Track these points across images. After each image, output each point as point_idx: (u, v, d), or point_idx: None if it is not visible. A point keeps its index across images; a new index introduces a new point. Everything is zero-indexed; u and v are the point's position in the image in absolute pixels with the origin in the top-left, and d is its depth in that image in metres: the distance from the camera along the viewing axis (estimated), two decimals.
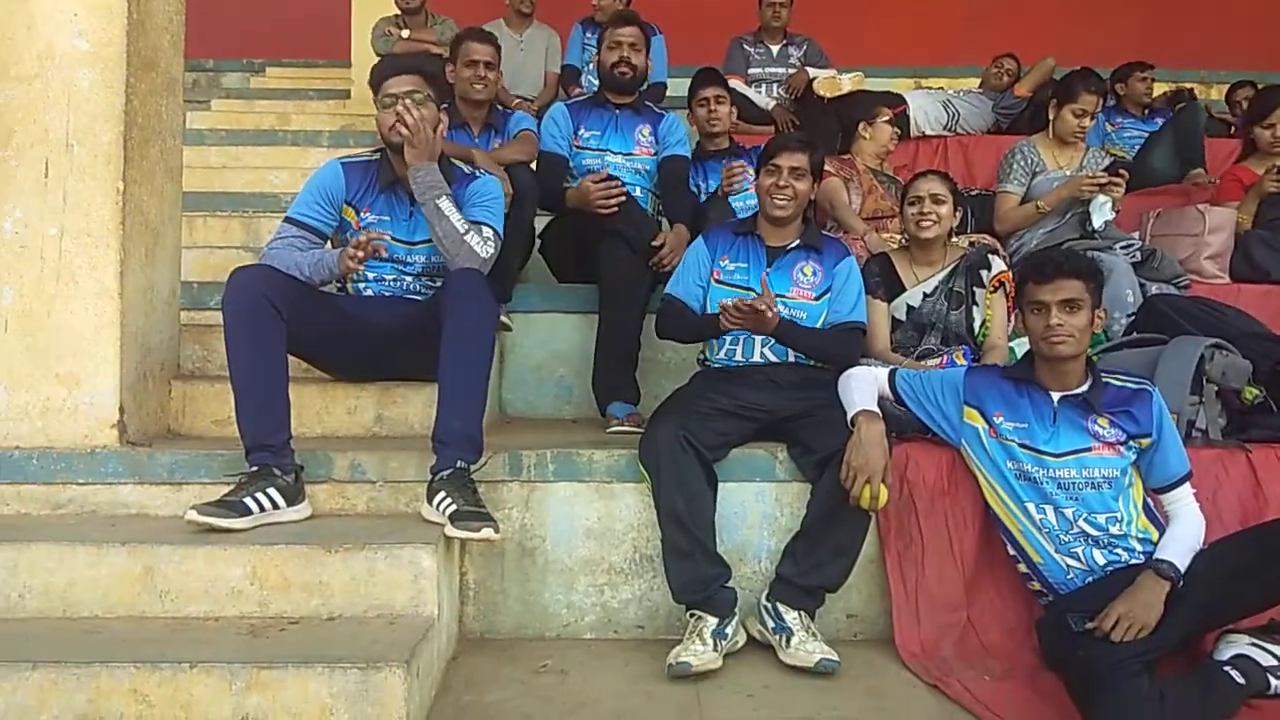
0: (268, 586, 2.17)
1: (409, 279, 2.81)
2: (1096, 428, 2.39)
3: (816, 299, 2.77)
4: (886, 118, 4.04)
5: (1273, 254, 3.88)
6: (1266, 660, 2.22)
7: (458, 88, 3.50)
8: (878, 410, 2.49)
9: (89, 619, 2.13)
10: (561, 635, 2.58)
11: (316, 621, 2.14)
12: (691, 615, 2.42)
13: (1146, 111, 5.52)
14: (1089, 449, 2.37)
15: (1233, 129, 5.63)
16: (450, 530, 2.25)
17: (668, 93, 5.08)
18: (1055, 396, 2.43)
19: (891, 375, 2.61)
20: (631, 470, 2.56)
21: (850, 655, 2.41)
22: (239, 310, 2.36)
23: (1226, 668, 2.20)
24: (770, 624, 2.43)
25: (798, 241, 2.82)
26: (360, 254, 2.52)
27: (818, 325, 2.77)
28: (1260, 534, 2.29)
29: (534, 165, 3.52)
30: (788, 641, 2.37)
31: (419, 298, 2.79)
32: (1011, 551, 2.49)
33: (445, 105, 2.88)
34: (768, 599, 2.46)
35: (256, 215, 4.50)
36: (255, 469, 2.34)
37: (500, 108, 3.65)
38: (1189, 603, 2.21)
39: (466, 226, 2.60)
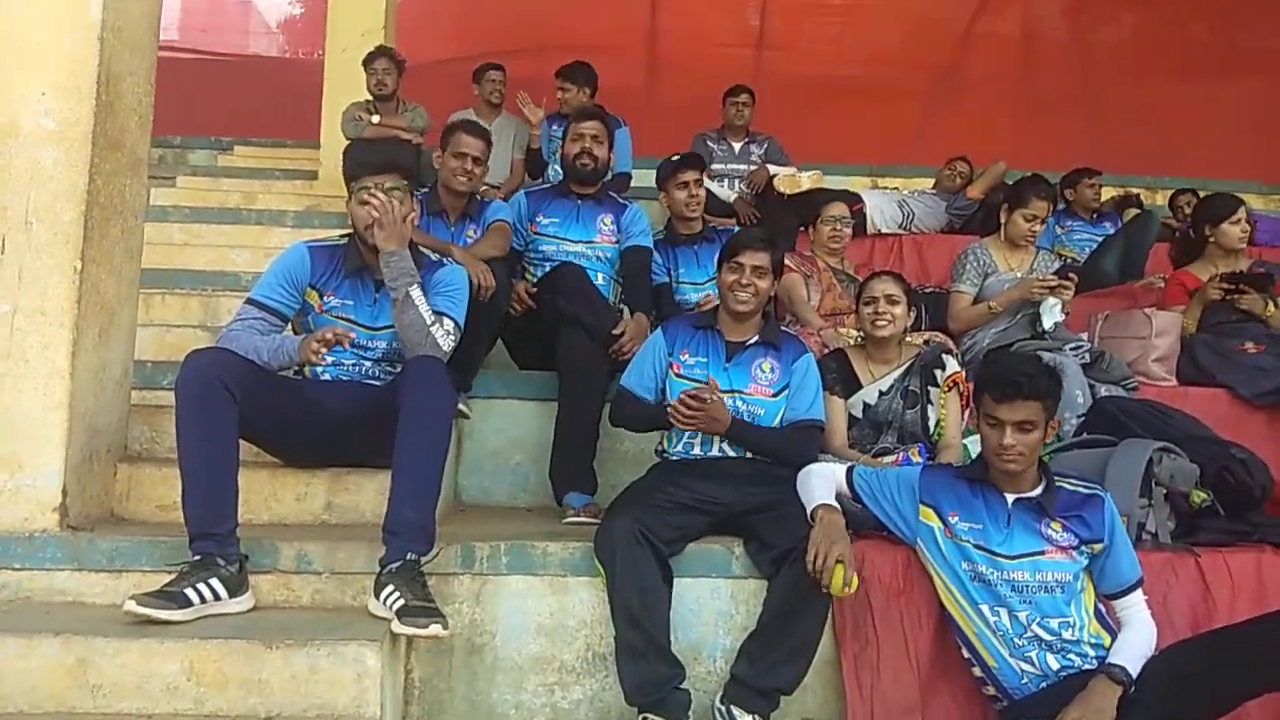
0: (204, 683, 2.09)
1: (369, 364, 2.79)
2: (1050, 531, 2.41)
3: (774, 395, 2.79)
4: (824, 218, 4.14)
5: (1217, 358, 3.96)
6: None
7: (441, 174, 3.48)
8: (837, 505, 2.49)
9: (13, 715, 2.03)
10: None
11: None
12: (644, 718, 2.36)
13: (1095, 215, 5.73)
14: (1042, 552, 2.39)
15: (1176, 233, 5.82)
16: (397, 626, 2.19)
17: (632, 183, 5.18)
18: (1009, 498, 2.45)
19: (849, 472, 2.62)
20: (586, 564, 2.53)
21: None
22: (192, 395, 2.33)
23: None
24: None
25: (757, 338, 2.85)
26: (323, 349, 2.51)
27: (775, 422, 2.78)
28: (1210, 641, 2.31)
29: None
30: None
31: (377, 383, 2.77)
32: (966, 654, 2.47)
33: (425, 191, 2.85)
34: (722, 701, 2.42)
35: (216, 294, 4.46)
36: (198, 558, 2.28)
37: (479, 198, 3.67)
38: (1140, 709, 2.21)
39: (433, 318, 2.61)
